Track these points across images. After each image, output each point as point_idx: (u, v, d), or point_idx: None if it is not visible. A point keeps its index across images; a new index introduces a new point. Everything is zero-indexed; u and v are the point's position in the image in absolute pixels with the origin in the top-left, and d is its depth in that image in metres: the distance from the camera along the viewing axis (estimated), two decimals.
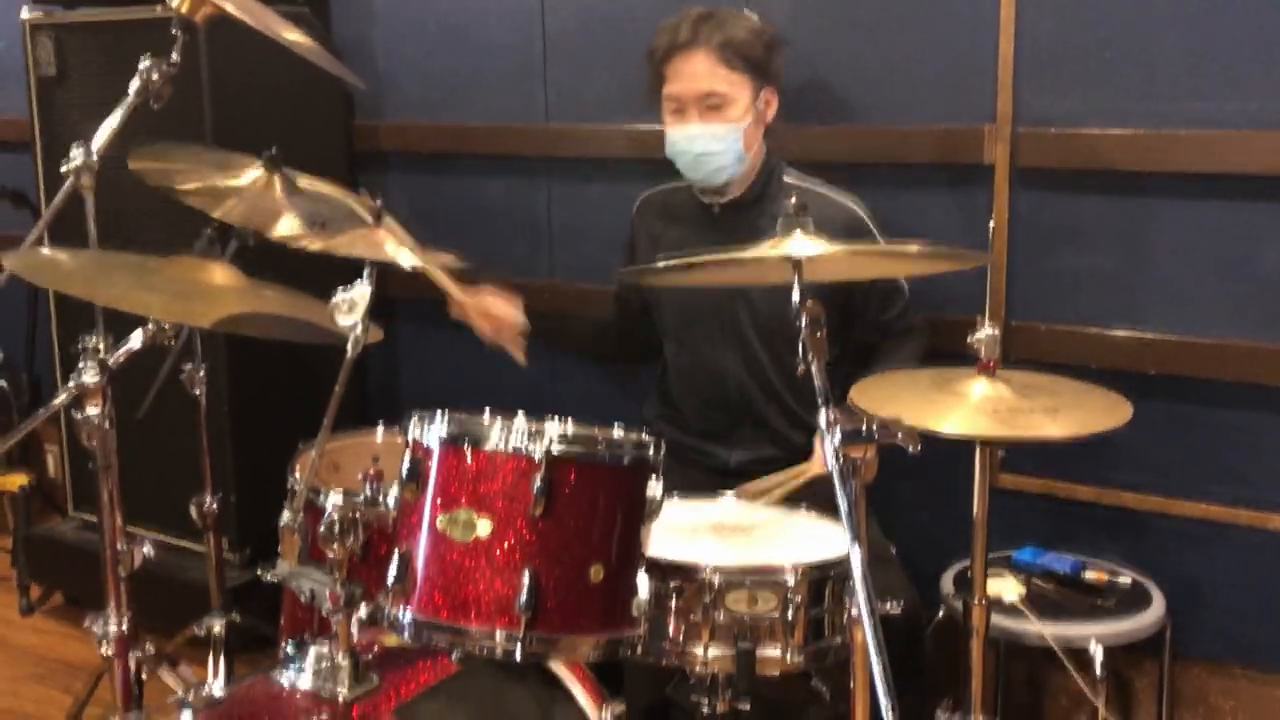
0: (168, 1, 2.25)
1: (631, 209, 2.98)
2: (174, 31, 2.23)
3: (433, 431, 1.86)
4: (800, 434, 2.72)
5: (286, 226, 2.44)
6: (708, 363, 2.81)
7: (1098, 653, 2.53)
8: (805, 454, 2.58)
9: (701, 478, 2.75)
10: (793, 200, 1.95)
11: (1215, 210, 2.69)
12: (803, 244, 1.90)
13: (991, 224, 2.79)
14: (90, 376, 1.99)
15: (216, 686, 1.90)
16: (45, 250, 2.28)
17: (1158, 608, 2.66)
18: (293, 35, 2.37)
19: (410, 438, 1.89)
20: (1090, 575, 2.74)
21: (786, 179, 2.79)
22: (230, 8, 2.22)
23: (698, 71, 2.62)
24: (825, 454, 1.73)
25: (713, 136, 2.64)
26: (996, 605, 2.50)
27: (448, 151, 3.64)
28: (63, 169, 2.16)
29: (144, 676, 2.15)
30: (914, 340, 2.81)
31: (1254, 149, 2.60)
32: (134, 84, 2.21)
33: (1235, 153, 2.62)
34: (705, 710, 2.08)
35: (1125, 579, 2.75)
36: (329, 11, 3.73)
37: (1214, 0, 2.61)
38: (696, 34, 2.62)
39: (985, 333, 2.14)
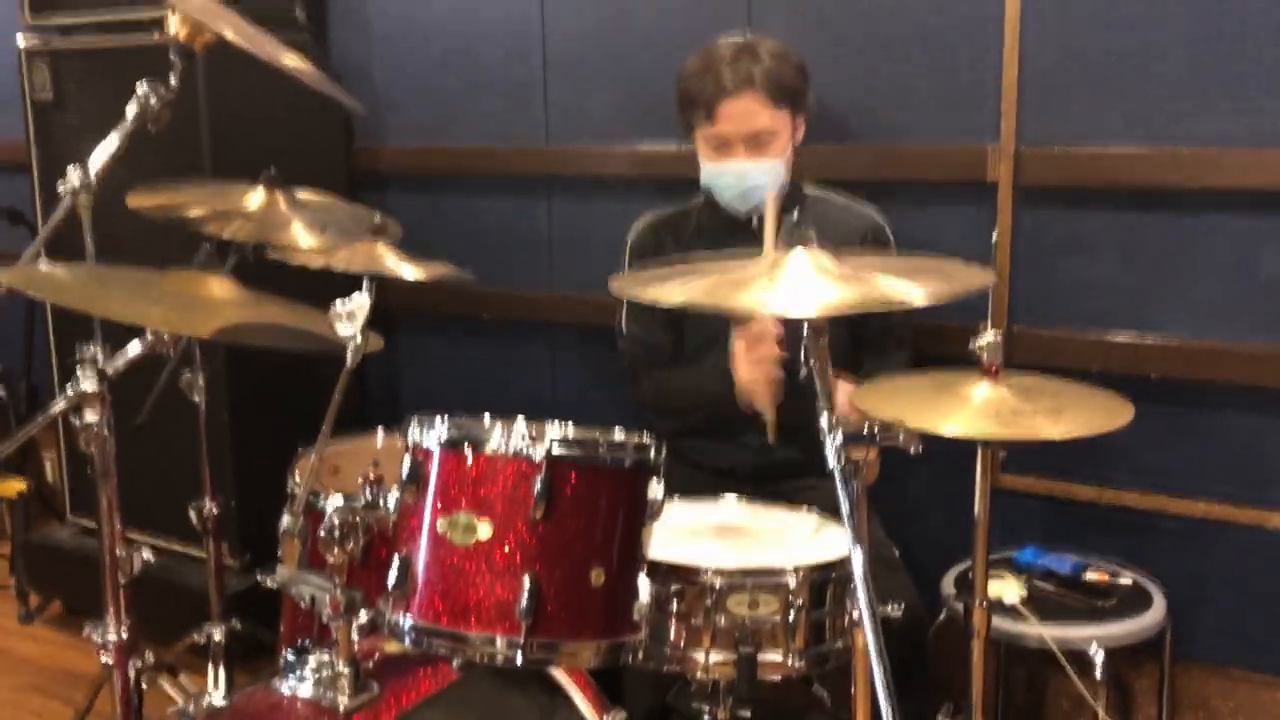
0: (165, 28, 2.26)
1: (628, 238, 2.96)
2: (172, 58, 2.24)
3: (432, 434, 1.86)
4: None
5: (299, 237, 2.46)
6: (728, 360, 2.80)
7: (1098, 656, 2.53)
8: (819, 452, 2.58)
9: (708, 480, 2.74)
10: (795, 214, 1.96)
11: (1215, 223, 2.71)
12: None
13: (995, 236, 2.80)
14: (89, 385, 1.99)
15: (217, 696, 1.89)
16: (43, 265, 2.29)
17: (1158, 609, 2.66)
18: (291, 60, 2.37)
19: (410, 441, 1.88)
20: (1091, 576, 2.74)
21: (807, 191, 2.86)
22: (229, 34, 2.22)
23: (747, 113, 2.65)
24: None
25: (761, 171, 2.68)
26: (997, 607, 2.51)
27: (448, 173, 3.66)
28: (59, 189, 2.17)
29: (144, 686, 2.14)
30: (899, 357, 2.83)
31: (1253, 165, 2.62)
32: (131, 109, 2.22)
33: (1235, 168, 2.65)
34: (706, 717, 2.07)
35: (1126, 580, 2.75)
36: (328, 36, 3.76)
37: (1213, 19, 2.64)
38: (743, 75, 2.64)
39: (988, 337, 2.14)
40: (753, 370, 2.54)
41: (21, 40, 3.58)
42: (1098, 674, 2.51)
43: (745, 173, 2.68)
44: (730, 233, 2.75)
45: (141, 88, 2.21)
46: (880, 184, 2.96)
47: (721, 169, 2.71)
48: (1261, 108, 2.61)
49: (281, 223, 2.53)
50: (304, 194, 2.65)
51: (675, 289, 1.97)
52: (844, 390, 2.52)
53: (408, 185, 3.75)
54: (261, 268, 2.48)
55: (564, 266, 3.52)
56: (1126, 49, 2.72)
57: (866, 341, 2.79)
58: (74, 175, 2.17)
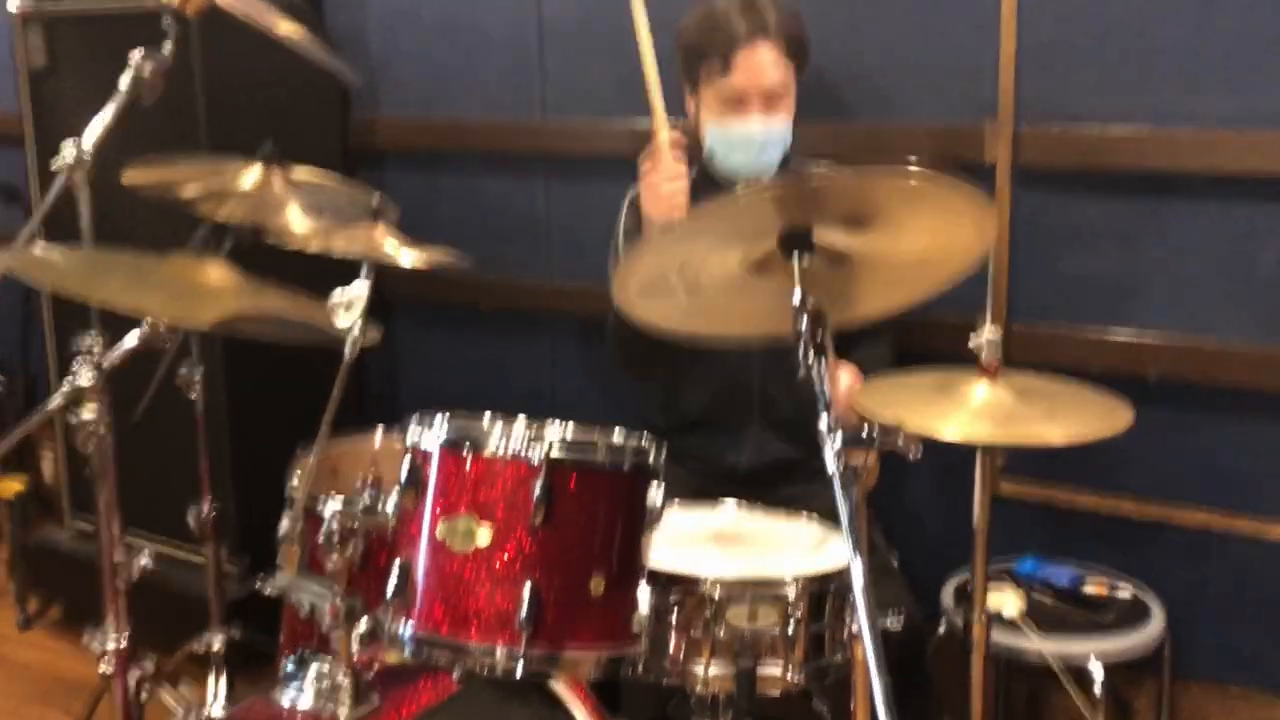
0: None
1: (623, 208, 2.92)
2: (166, 24, 2.22)
3: (432, 436, 1.84)
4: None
5: (293, 220, 2.43)
6: (731, 356, 2.79)
7: (1097, 671, 2.53)
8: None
9: (707, 483, 2.74)
10: None
11: (1217, 210, 2.68)
12: None
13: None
14: (85, 379, 1.98)
15: (216, 707, 1.88)
16: (39, 248, 2.26)
17: (1157, 622, 2.65)
18: (287, 28, 2.35)
19: (409, 442, 1.87)
20: (1090, 589, 2.74)
21: (796, 165, 2.81)
22: (223, 0, 2.20)
23: (765, 64, 2.60)
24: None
25: (773, 131, 2.65)
26: (997, 621, 2.51)
27: (445, 147, 3.63)
28: (54, 166, 2.14)
29: (144, 696, 2.14)
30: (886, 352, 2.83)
31: (1256, 148, 2.59)
32: (125, 78, 2.19)
33: (1237, 152, 2.61)
34: None
35: (1125, 592, 2.74)
36: (323, 4, 3.69)
37: None
38: (758, 23, 2.59)
39: (986, 335, 2.14)
40: (658, 201, 2.61)
41: (14, 4, 3.52)
42: (1097, 690, 2.52)
43: (759, 132, 2.63)
44: None
45: (136, 56, 2.18)
46: (874, 163, 2.92)
47: (734, 127, 2.65)
48: (1266, 88, 2.58)
49: (277, 204, 2.51)
50: (301, 173, 2.62)
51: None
52: (846, 378, 2.53)
53: (404, 160, 3.71)
54: (258, 249, 2.45)
55: (562, 253, 3.49)
56: (1127, 25, 2.69)
57: (856, 334, 2.77)
58: (69, 151, 2.14)
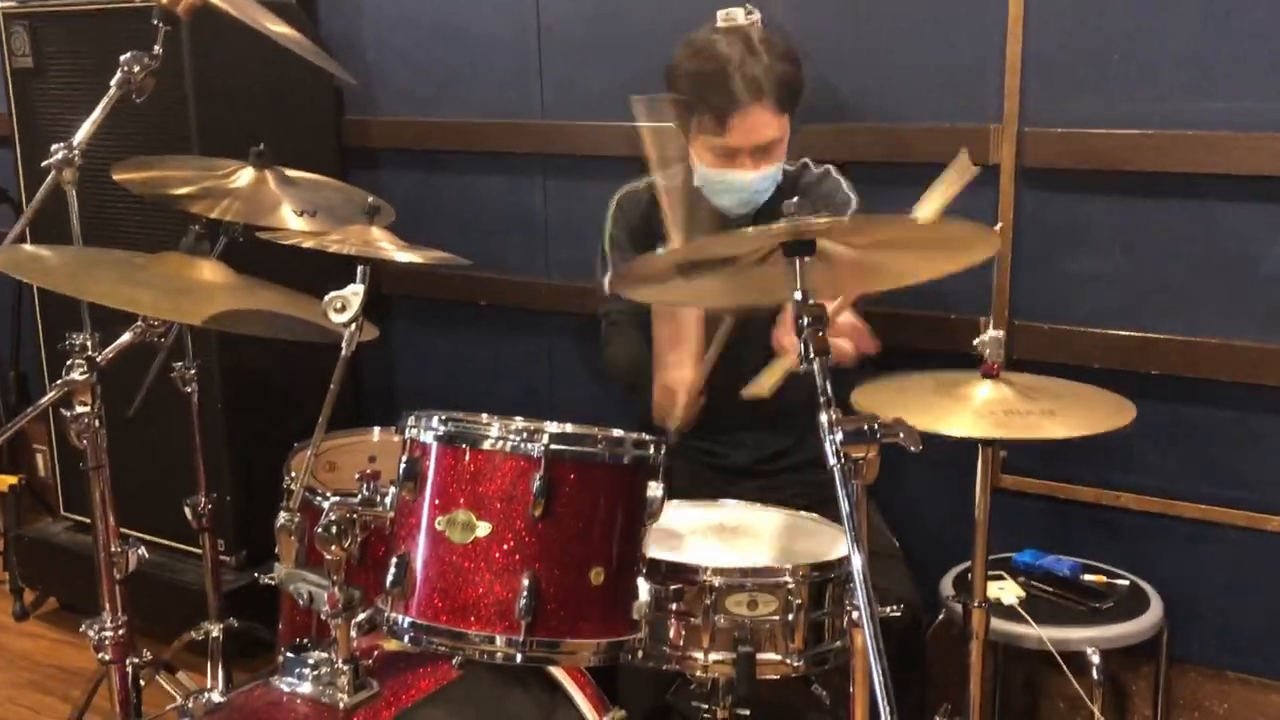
0: None
1: (614, 200, 2.90)
2: (155, 23, 2.21)
3: (430, 431, 1.84)
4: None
5: (289, 220, 2.42)
6: (734, 347, 2.77)
7: (1095, 657, 2.53)
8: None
9: (710, 478, 2.74)
10: (794, 200, 1.92)
11: (1220, 211, 2.68)
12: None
13: (998, 225, 2.77)
14: (79, 374, 1.96)
15: (215, 693, 1.87)
16: (29, 246, 2.25)
17: (1155, 611, 2.66)
18: (278, 28, 2.34)
19: (407, 437, 1.87)
20: (1089, 578, 2.74)
21: (785, 167, 2.79)
22: None
23: (758, 125, 2.57)
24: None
25: (762, 178, 2.63)
26: (996, 608, 2.50)
27: (441, 148, 3.61)
28: (44, 164, 2.13)
29: (142, 683, 2.12)
30: None
31: (1259, 150, 2.59)
32: (115, 78, 2.18)
33: (1240, 154, 2.61)
34: (705, 716, 2.07)
35: (1124, 582, 2.75)
36: (316, 4, 3.69)
37: (1220, 2, 2.60)
38: (753, 85, 2.53)
39: (989, 335, 2.15)
40: (670, 371, 2.58)
41: None
42: (1094, 675, 2.52)
43: (748, 184, 2.62)
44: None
45: (125, 56, 2.17)
46: (880, 165, 2.93)
47: (723, 177, 2.63)
48: (1268, 93, 2.58)
49: (271, 203, 2.50)
50: (294, 173, 2.61)
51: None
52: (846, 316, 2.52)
53: (399, 161, 3.70)
54: (252, 249, 2.44)
55: (560, 251, 3.48)
56: (1132, 28, 2.68)
57: None
58: (59, 150, 2.13)
